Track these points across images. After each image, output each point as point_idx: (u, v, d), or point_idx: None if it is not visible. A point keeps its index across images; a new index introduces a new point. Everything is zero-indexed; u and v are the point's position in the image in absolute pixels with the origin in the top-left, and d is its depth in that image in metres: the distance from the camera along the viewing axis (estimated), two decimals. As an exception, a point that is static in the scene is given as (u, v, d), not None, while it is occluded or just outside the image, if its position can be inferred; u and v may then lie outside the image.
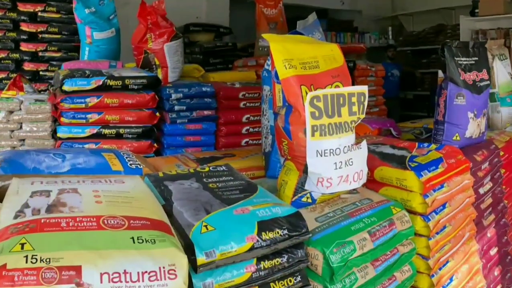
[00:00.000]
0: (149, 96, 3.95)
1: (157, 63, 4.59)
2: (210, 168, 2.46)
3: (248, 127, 4.57)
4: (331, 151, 2.32)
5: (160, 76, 4.53)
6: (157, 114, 4.06)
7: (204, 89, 4.42)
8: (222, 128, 4.51)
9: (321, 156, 2.32)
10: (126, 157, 2.64)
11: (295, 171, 2.45)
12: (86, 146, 3.76)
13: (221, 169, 2.47)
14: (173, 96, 4.25)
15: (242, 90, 4.58)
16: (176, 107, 4.28)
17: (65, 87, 3.72)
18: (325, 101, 2.31)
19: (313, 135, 2.30)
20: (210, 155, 3.39)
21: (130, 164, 2.55)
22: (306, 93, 2.30)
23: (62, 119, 3.78)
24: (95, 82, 3.75)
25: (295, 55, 2.43)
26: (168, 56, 4.62)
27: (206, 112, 4.40)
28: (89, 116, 3.83)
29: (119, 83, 3.86)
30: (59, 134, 3.81)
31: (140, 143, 3.98)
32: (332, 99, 2.32)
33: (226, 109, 4.55)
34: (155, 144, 4.08)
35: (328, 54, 2.57)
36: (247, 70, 6.19)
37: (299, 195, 2.43)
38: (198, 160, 3.20)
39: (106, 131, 3.89)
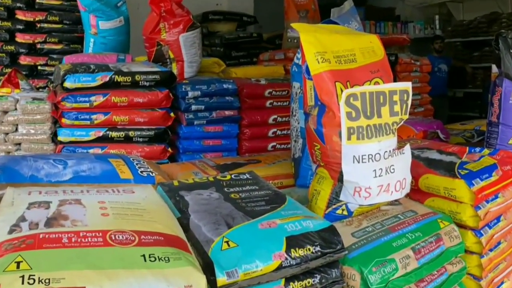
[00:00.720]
0: (163, 94, 3.95)
1: (172, 56, 4.59)
2: (232, 176, 2.47)
3: (275, 130, 4.56)
4: (370, 156, 2.31)
5: (175, 71, 4.53)
6: (172, 114, 4.06)
7: (225, 86, 4.41)
8: (246, 131, 4.51)
9: (359, 162, 2.31)
10: (136, 164, 2.65)
11: (328, 180, 2.44)
12: (91, 151, 3.78)
13: (245, 177, 2.47)
14: (190, 94, 4.24)
15: (268, 87, 4.56)
16: (193, 107, 4.27)
17: (67, 84, 3.73)
18: (363, 99, 2.29)
19: (349, 138, 2.29)
20: (232, 161, 3.40)
21: (141, 172, 2.56)
22: (342, 91, 2.29)
23: (64, 120, 3.79)
24: (101, 78, 3.76)
25: (328, 47, 2.42)
26: (184, 48, 4.62)
27: (227, 113, 4.39)
28: (94, 116, 3.83)
29: (129, 79, 3.86)
30: (60, 138, 3.82)
31: (152, 147, 3.98)
32: (371, 97, 2.31)
33: (250, 109, 4.54)
34: (169, 149, 4.08)
35: (367, 47, 2.56)
36: (274, 64, 6.19)
37: (334, 206, 2.42)
38: (218, 167, 3.20)
39: (114, 134, 3.89)
